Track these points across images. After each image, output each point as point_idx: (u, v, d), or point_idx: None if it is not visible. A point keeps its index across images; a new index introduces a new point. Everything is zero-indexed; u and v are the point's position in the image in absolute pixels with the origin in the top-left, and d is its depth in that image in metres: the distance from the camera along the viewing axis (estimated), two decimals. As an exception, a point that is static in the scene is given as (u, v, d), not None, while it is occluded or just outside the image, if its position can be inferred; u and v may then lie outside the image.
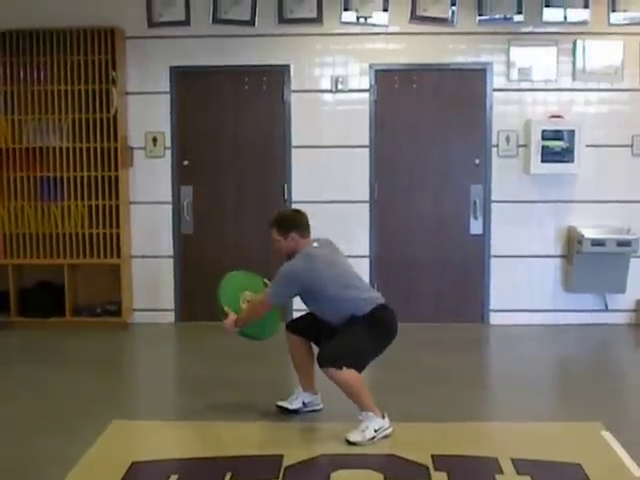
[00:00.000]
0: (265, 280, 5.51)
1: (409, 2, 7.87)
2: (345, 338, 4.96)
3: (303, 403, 5.38)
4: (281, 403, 5.37)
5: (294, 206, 7.97)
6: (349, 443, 4.78)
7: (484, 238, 8.13)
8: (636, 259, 7.81)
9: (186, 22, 7.98)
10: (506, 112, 8.00)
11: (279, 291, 5.12)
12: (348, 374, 4.85)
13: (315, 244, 5.24)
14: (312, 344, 5.34)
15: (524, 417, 5.37)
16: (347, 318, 5.03)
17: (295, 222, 5.28)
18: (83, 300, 8.19)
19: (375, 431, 4.86)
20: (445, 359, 6.90)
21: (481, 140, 8.04)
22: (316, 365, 5.05)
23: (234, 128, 8.15)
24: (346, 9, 7.92)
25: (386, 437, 4.90)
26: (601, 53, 7.92)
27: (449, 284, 8.20)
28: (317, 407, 5.43)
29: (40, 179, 7.95)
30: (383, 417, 4.94)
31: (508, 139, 7.99)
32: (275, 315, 5.45)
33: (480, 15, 7.90)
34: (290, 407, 5.35)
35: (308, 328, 5.30)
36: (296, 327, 5.36)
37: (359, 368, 4.93)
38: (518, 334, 7.84)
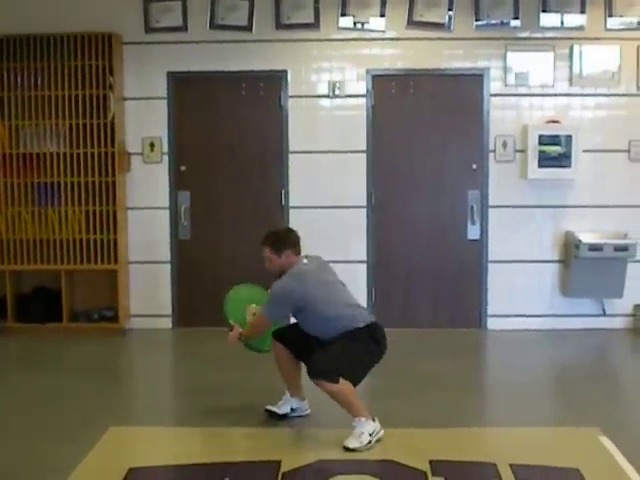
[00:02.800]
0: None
1: (406, 8, 7.88)
2: (337, 350, 4.96)
3: (291, 408, 5.38)
4: (270, 407, 5.37)
5: (292, 211, 8.02)
6: (348, 450, 4.77)
7: (481, 243, 8.13)
8: (633, 264, 7.81)
9: (183, 28, 7.99)
10: (503, 117, 8.01)
11: (273, 310, 5.15)
12: (340, 386, 4.85)
13: (305, 260, 5.25)
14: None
15: (522, 422, 5.36)
16: (337, 335, 5.02)
17: (289, 240, 5.30)
18: (80, 306, 8.17)
19: (370, 435, 4.86)
20: (443, 364, 6.89)
21: (478, 145, 8.04)
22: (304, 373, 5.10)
23: (231, 133, 8.15)
24: (343, 15, 7.93)
25: (379, 440, 4.89)
26: (598, 58, 7.93)
27: (447, 289, 8.19)
28: (305, 412, 5.43)
29: (37, 185, 7.94)
30: (373, 420, 4.94)
31: (505, 144, 7.99)
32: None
33: (477, 20, 7.91)
34: (279, 412, 5.34)
35: (294, 341, 5.27)
36: (282, 336, 5.32)
37: (353, 382, 4.93)
38: (516, 339, 7.84)
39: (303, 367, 5.31)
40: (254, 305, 5.38)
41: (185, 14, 7.96)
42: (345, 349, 4.96)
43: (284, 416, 5.35)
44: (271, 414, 5.34)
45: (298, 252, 5.27)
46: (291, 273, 5.14)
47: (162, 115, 8.10)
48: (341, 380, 4.84)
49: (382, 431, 4.94)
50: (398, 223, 8.18)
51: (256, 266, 7.68)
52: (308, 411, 5.43)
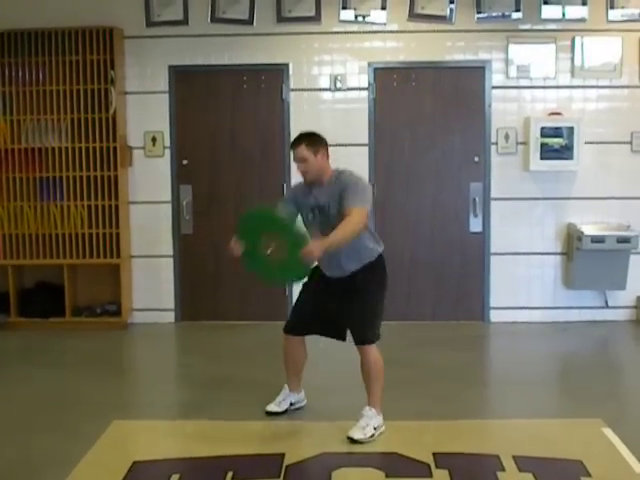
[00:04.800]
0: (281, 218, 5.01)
1: (407, 0, 7.87)
2: (370, 307, 4.94)
3: (290, 403, 5.38)
4: (270, 409, 5.33)
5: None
6: (352, 441, 4.78)
7: (484, 236, 8.12)
8: (636, 255, 7.81)
9: (184, 21, 7.98)
10: (505, 109, 8.00)
11: (368, 195, 4.92)
12: (379, 354, 4.92)
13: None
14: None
15: (525, 414, 5.37)
16: (364, 264, 4.95)
17: (322, 139, 5.07)
18: (83, 300, 8.18)
19: (374, 429, 4.88)
20: (445, 357, 6.90)
21: (480, 138, 8.03)
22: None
23: (233, 127, 8.15)
24: (344, 7, 7.92)
25: (381, 434, 4.91)
26: (600, 50, 7.91)
27: (449, 282, 8.19)
28: (303, 403, 5.43)
29: (39, 179, 7.94)
30: (380, 415, 4.97)
31: (507, 136, 7.99)
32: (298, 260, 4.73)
33: (478, 13, 7.90)
34: (279, 410, 5.33)
35: (309, 324, 5.19)
36: (297, 328, 5.23)
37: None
38: (518, 331, 7.85)
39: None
40: (269, 236, 4.94)
41: (186, 7, 7.95)
42: (374, 300, 4.95)
43: (284, 412, 5.35)
44: (272, 414, 5.31)
45: (329, 156, 5.06)
46: (350, 171, 5.03)
47: (164, 109, 8.09)
48: (375, 345, 4.88)
49: (384, 427, 4.96)
50: (400, 216, 8.17)
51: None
52: (305, 401, 5.44)
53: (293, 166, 8.02)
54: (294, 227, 4.91)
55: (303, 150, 4.94)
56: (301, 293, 5.28)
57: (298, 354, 5.32)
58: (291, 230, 4.85)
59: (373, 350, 4.91)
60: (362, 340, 4.93)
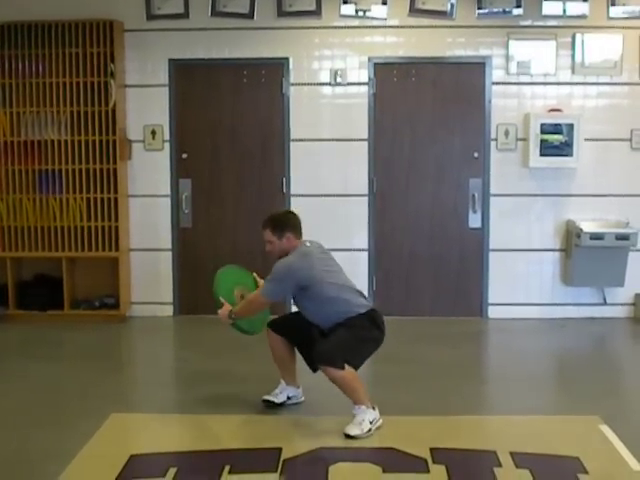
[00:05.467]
0: (255, 275, 5.53)
1: (408, -5, 7.88)
2: (342, 336, 4.96)
3: (287, 397, 5.39)
4: (267, 397, 5.37)
5: (293, 199, 8.02)
6: (348, 437, 4.79)
7: (483, 232, 8.12)
8: (635, 253, 7.82)
9: (185, 15, 7.97)
10: (505, 106, 7.99)
11: (275, 288, 5.09)
12: (346, 373, 4.86)
13: (307, 243, 5.24)
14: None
15: (523, 410, 5.37)
16: (339, 321, 5.03)
17: (290, 222, 5.26)
18: (81, 293, 8.18)
19: (370, 423, 4.88)
20: (444, 353, 6.90)
21: (480, 133, 8.03)
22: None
23: (233, 121, 8.14)
24: (345, 2, 7.91)
25: (378, 428, 4.92)
26: (600, 47, 7.91)
27: (448, 278, 8.19)
28: (300, 400, 5.45)
29: (38, 172, 7.93)
30: (374, 409, 4.96)
31: (507, 133, 7.98)
32: (265, 313, 5.43)
33: (479, 8, 7.89)
34: (276, 401, 5.35)
35: (293, 332, 5.27)
36: (280, 327, 5.31)
37: (357, 366, 4.95)
38: (517, 328, 7.85)
39: (298, 356, 5.35)
40: (241, 287, 5.37)
41: (187, 1, 7.93)
42: (349, 335, 4.97)
43: (281, 404, 5.36)
44: (269, 403, 5.35)
45: (299, 235, 5.24)
46: (297, 252, 5.12)
47: (163, 102, 8.09)
48: (346, 366, 4.85)
49: (381, 420, 4.97)
50: (399, 211, 8.17)
51: (257, 253, 7.71)
52: (303, 398, 5.46)
53: (292, 160, 8.11)
54: (216, 292, 5.27)
55: (268, 234, 5.23)
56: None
57: (283, 350, 5.33)
58: (215, 294, 5.26)
59: (332, 372, 4.85)
60: (319, 359, 4.92)
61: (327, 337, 5.02)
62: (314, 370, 5.20)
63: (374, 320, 5.11)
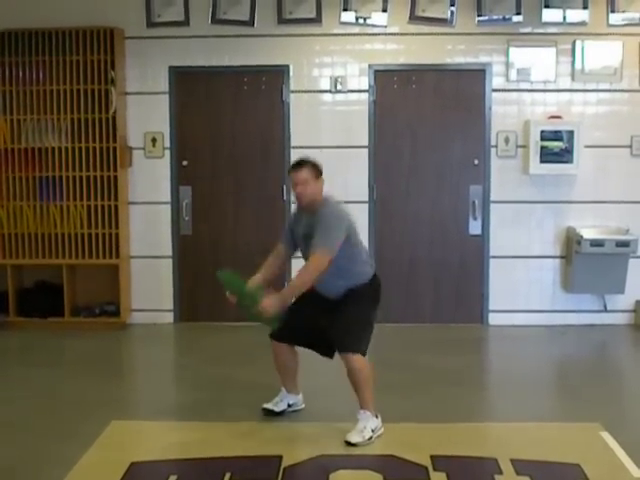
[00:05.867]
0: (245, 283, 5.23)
1: (408, 3, 7.87)
2: (355, 318, 4.93)
3: (288, 404, 5.37)
4: (267, 406, 5.34)
5: (294, 206, 7.98)
6: (349, 444, 4.78)
7: (483, 238, 8.13)
8: (635, 259, 7.81)
9: (185, 22, 7.98)
10: (505, 113, 8.00)
11: (336, 237, 4.85)
12: (364, 362, 4.89)
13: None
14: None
15: (523, 418, 5.37)
16: (351, 287, 4.99)
17: (321, 167, 5.11)
18: (82, 300, 8.17)
19: (372, 431, 4.88)
20: (444, 360, 6.89)
21: (480, 140, 8.04)
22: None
23: (233, 128, 8.15)
24: (345, 9, 7.92)
25: (379, 437, 4.91)
26: (600, 54, 7.92)
27: (448, 285, 8.19)
28: (300, 407, 5.43)
29: (39, 179, 7.94)
30: (377, 417, 4.96)
31: (507, 140, 7.99)
32: None
33: (479, 16, 7.91)
34: (276, 409, 5.33)
35: (296, 333, 5.17)
36: (283, 336, 5.19)
37: (365, 351, 4.96)
38: (517, 335, 7.84)
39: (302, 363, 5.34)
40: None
41: (187, 8, 7.95)
42: (360, 317, 4.96)
43: (281, 413, 5.34)
44: (268, 412, 5.32)
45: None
46: (334, 201, 5.07)
47: (164, 110, 8.10)
48: (361, 355, 4.86)
49: (383, 428, 4.96)
50: (400, 218, 8.18)
51: (258, 260, 7.68)
52: (303, 405, 5.45)
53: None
54: (244, 288, 5.02)
55: (307, 172, 4.99)
56: (294, 303, 5.16)
57: (288, 359, 5.31)
58: (242, 291, 5.01)
59: (357, 359, 4.87)
60: (343, 347, 4.90)
61: (340, 316, 4.94)
62: (331, 357, 5.15)
63: (378, 285, 5.13)
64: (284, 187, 8.04)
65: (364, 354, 4.91)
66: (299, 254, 5.21)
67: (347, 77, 8.02)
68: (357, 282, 5.03)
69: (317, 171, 5.04)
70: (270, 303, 4.81)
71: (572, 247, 7.87)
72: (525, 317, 8.10)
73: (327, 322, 5.03)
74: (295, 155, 7.88)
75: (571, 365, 7.07)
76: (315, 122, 8.07)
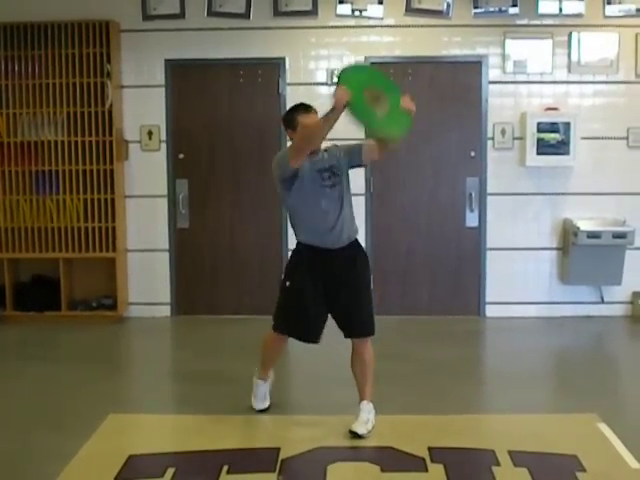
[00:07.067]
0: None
1: (404, -6, 7.88)
2: (369, 295, 5.00)
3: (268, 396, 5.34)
4: (258, 407, 5.28)
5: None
6: (356, 436, 4.75)
7: (480, 231, 8.13)
8: (632, 251, 7.82)
9: (181, 15, 7.96)
10: (501, 104, 8.00)
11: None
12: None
13: None
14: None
15: (521, 409, 5.38)
16: (351, 231, 4.99)
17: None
18: (79, 294, 8.17)
19: (372, 422, 4.88)
20: (441, 352, 6.90)
21: (477, 132, 8.03)
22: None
23: (229, 121, 8.14)
24: (341, 2, 7.91)
25: (373, 427, 4.91)
26: (596, 45, 7.91)
27: (445, 277, 8.20)
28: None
29: (35, 173, 7.93)
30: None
31: (504, 131, 7.99)
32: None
33: (475, 7, 7.89)
34: (267, 404, 5.31)
35: (321, 325, 4.97)
36: (310, 332, 4.97)
37: None
38: (514, 326, 7.85)
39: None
40: (373, 87, 4.74)
41: (183, 1, 7.93)
42: (368, 290, 5.02)
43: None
44: (262, 411, 5.28)
45: None
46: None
47: (160, 103, 8.08)
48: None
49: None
50: (397, 211, 8.18)
51: (255, 253, 7.72)
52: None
53: (289, 160, 8.02)
54: (393, 84, 4.88)
55: (317, 116, 4.88)
56: (297, 297, 4.95)
57: (280, 349, 5.31)
58: (391, 85, 4.84)
59: (370, 348, 4.94)
60: (369, 332, 4.94)
61: (356, 296, 4.90)
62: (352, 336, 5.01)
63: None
64: (281, 180, 8.03)
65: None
66: None
67: (343, 69, 8.00)
68: (353, 232, 5.03)
69: (287, 124, 4.94)
70: (409, 102, 4.74)
71: (569, 239, 7.87)
72: (522, 309, 8.10)
73: (346, 300, 4.89)
74: (291, 148, 7.93)
75: (568, 357, 7.08)
76: (311, 115, 8.05)
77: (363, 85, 4.66)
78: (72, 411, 5.40)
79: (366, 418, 4.86)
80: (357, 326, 4.94)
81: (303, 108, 4.96)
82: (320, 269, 4.89)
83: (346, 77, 4.72)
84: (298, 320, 4.96)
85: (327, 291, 4.91)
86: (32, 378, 6.20)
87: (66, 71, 7.81)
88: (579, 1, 7.84)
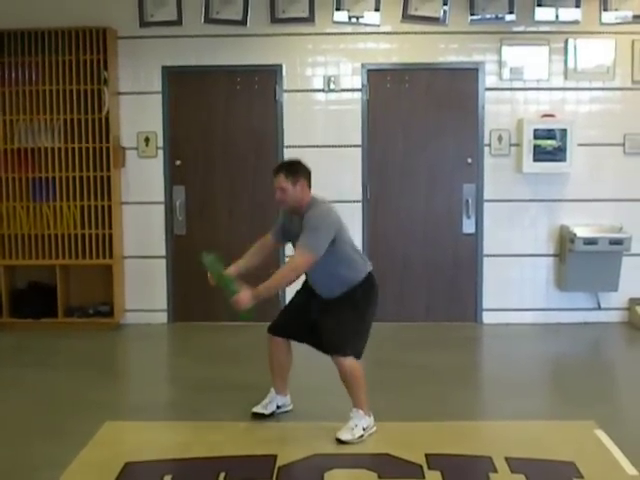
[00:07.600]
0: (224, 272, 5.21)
1: (401, 1, 7.88)
2: (345, 320, 4.91)
3: (277, 406, 5.34)
4: (257, 410, 5.30)
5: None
6: (340, 442, 4.78)
7: (477, 237, 8.13)
8: (628, 257, 7.83)
9: (178, 22, 7.97)
10: (498, 111, 8.01)
11: (323, 238, 4.79)
12: (355, 363, 4.88)
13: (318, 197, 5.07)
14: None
15: (518, 416, 5.37)
16: (345, 290, 4.97)
17: (304, 169, 5.06)
18: (75, 301, 8.16)
19: (363, 429, 4.88)
20: (438, 358, 6.90)
21: (473, 139, 8.04)
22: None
23: (226, 128, 8.14)
24: (338, 9, 7.92)
25: (371, 435, 4.91)
26: (593, 52, 7.93)
27: (442, 283, 8.20)
28: (289, 408, 5.40)
29: (32, 180, 7.92)
30: (369, 416, 4.96)
31: (500, 138, 8.00)
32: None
33: (472, 14, 7.91)
34: (266, 412, 5.30)
35: (294, 326, 5.17)
36: (281, 329, 5.22)
37: (362, 350, 4.95)
38: (511, 333, 7.85)
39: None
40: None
41: (180, 8, 7.94)
42: (354, 317, 4.94)
43: (271, 415, 5.31)
44: (258, 416, 5.27)
45: (310, 186, 5.03)
46: (322, 203, 4.98)
47: (157, 110, 8.08)
48: (352, 357, 4.85)
49: (375, 427, 4.97)
50: (393, 217, 8.18)
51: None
52: (291, 406, 5.41)
53: (286, 167, 8.02)
54: (225, 277, 5.12)
55: (282, 180, 4.96)
56: (294, 296, 5.32)
57: (283, 357, 5.29)
58: (222, 279, 5.11)
59: (347, 361, 4.86)
60: (332, 349, 4.91)
61: (332, 317, 4.92)
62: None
63: (372, 285, 5.07)
64: (277, 187, 8.03)
65: (358, 356, 4.90)
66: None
67: (340, 76, 8.02)
68: (350, 284, 5.00)
69: (296, 177, 4.97)
70: (243, 298, 4.83)
71: (566, 245, 7.88)
72: (519, 315, 8.10)
73: (320, 321, 5.02)
74: (288, 154, 7.95)
75: (565, 363, 7.06)
76: (308, 121, 8.07)
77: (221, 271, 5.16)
78: (68, 418, 5.38)
79: (353, 425, 4.86)
80: (325, 343, 4.98)
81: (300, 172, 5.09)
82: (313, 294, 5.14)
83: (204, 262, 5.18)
84: (280, 313, 5.36)
85: (313, 307, 5.10)
86: (28, 385, 6.18)
87: (63, 78, 7.81)
88: (575, 8, 7.87)
